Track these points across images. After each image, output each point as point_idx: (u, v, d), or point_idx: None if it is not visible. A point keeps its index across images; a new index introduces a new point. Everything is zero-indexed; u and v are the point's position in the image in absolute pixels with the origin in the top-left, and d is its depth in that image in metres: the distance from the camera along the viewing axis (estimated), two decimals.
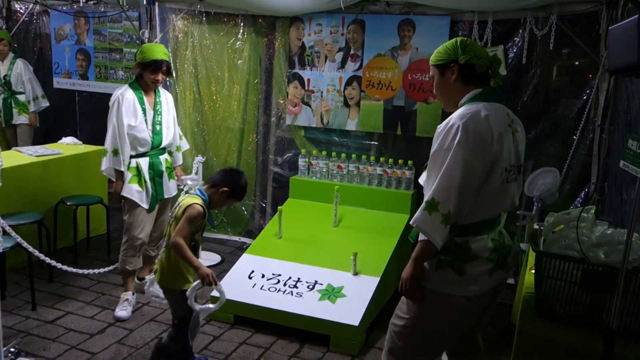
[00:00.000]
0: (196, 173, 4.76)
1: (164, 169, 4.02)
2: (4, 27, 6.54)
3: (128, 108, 3.82)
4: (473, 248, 2.27)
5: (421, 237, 2.21)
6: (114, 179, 3.94)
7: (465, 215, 2.22)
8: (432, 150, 2.23)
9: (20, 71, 6.12)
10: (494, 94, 2.35)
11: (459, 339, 2.57)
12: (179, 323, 3.06)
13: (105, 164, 3.87)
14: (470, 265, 2.26)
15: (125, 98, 3.81)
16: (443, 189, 2.14)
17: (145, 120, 3.88)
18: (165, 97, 4.07)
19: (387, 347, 2.51)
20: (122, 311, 3.93)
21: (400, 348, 2.43)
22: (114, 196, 3.98)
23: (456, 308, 2.31)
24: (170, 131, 4.07)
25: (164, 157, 4.05)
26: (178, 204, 3.01)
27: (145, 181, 3.91)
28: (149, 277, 4.29)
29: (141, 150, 3.91)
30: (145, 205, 3.92)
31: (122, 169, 3.84)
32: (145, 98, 3.91)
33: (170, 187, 4.11)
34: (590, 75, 4.33)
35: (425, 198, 2.19)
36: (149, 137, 3.91)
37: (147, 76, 3.86)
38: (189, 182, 4.25)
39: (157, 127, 3.96)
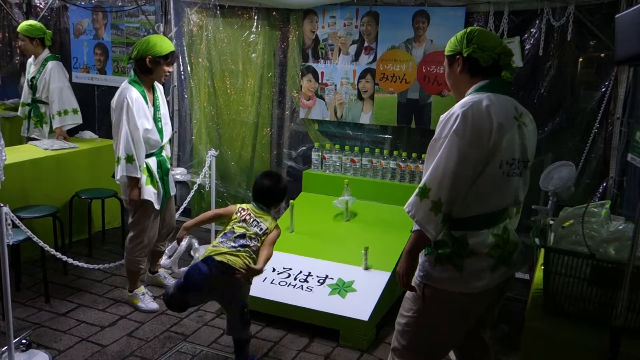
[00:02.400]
0: (209, 167, 4.76)
1: (169, 166, 3.99)
2: (21, 20, 6.61)
3: (139, 110, 3.66)
4: (471, 243, 2.21)
5: (415, 227, 2.18)
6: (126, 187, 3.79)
7: (462, 208, 2.18)
8: (433, 138, 2.20)
9: (48, 77, 5.20)
10: (501, 85, 2.29)
11: (465, 337, 2.53)
12: (248, 310, 3.21)
13: (120, 172, 3.66)
14: (468, 261, 2.21)
15: (134, 100, 3.64)
16: (435, 176, 2.12)
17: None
18: (160, 90, 3.95)
19: (391, 347, 2.48)
20: (152, 303, 3.96)
21: (403, 347, 2.40)
22: (132, 205, 3.78)
23: (457, 305, 2.26)
24: (168, 126, 3.99)
25: (165, 154, 3.99)
26: (259, 217, 3.20)
27: (156, 181, 3.84)
28: (163, 263, 4.34)
29: (150, 151, 3.82)
30: (157, 206, 3.87)
31: (139, 176, 3.68)
32: (147, 95, 3.77)
33: (172, 184, 4.08)
34: (616, 67, 4.20)
35: (420, 184, 2.17)
36: (158, 137, 3.83)
37: (160, 70, 3.74)
38: (178, 177, 4.20)
39: (159, 125, 3.85)
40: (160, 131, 3.85)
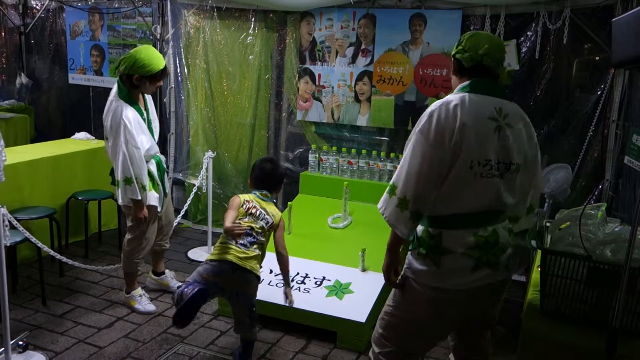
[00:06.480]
0: (206, 169, 4.77)
1: (165, 165, 3.98)
2: (17, 22, 6.61)
3: (137, 129, 3.57)
4: (444, 241, 2.23)
5: None
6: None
7: (437, 207, 2.21)
8: None
9: None
10: (484, 85, 2.28)
11: (462, 341, 2.54)
12: (256, 310, 3.24)
13: (120, 195, 3.61)
14: (445, 258, 2.23)
15: (132, 120, 3.54)
16: (401, 174, 2.19)
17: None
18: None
19: (372, 337, 2.55)
20: (149, 305, 3.96)
21: (380, 334, 2.47)
22: (139, 222, 3.73)
23: (433, 300, 2.28)
24: (156, 122, 3.95)
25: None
26: (264, 209, 3.27)
27: (158, 184, 3.82)
28: (169, 273, 4.34)
29: (149, 159, 3.77)
30: (160, 209, 3.86)
31: (139, 198, 3.59)
32: (140, 106, 3.71)
33: (167, 182, 4.08)
34: (612, 71, 4.22)
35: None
36: (157, 148, 3.81)
37: (149, 86, 3.67)
38: None
39: (151, 126, 3.84)
40: (151, 132, 3.82)
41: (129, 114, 3.55)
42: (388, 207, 2.21)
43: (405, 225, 2.18)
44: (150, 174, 3.75)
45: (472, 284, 2.24)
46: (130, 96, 3.63)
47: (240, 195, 3.34)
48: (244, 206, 3.27)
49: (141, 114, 3.69)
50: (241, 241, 3.17)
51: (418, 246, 2.29)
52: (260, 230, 3.23)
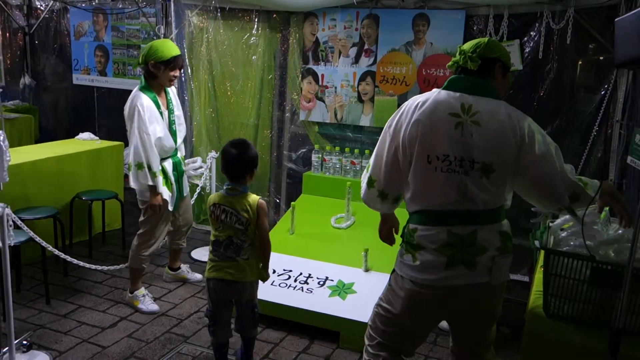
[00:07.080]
0: (209, 169, 4.78)
1: (184, 167, 4.02)
2: (22, 22, 6.63)
3: (151, 117, 3.65)
4: (417, 237, 2.28)
5: None
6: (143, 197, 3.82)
7: (409, 202, 2.33)
8: None
9: None
10: (458, 81, 2.32)
11: (462, 345, 2.54)
12: (258, 310, 3.21)
13: (132, 179, 3.70)
14: (420, 254, 2.27)
15: (145, 107, 3.62)
16: (372, 157, 2.45)
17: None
18: (173, 92, 3.95)
19: None
20: (152, 305, 3.97)
21: (370, 327, 2.56)
22: (153, 210, 3.76)
23: (410, 292, 2.31)
24: (183, 126, 3.99)
25: (180, 154, 4.01)
26: (233, 208, 2.99)
27: (171, 184, 3.86)
28: (185, 266, 4.44)
29: (166, 155, 3.84)
30: (171, 207, 3.90)
31: (149, 183, 3.66)
32: (159, 100, 3.76)
33: (186, 184, 4.12)
34: (615, 71, 4.22)
35: None
36: (172, 142, 3.85)
37: (164, 75, 3.71)
38: (192, 172, 4.21)
39: (174, 127, 3.87)
40: (174, 134, 3.86)
41: (144, 101, 3.65)
42: (363, 181, 2.51)
43: (375, 202, 2.47)
44: (165, 173, 3.81)
45: (446, 281, 2.23)
46: (148, 87, 3.72)
47: (209, 199, 3.11)
48: (213, 215, 3.05)
49: (158, 107, 3.74)
50: (225, 254, 3.03)
51: (403, 240, 2.39)
52: (239, 234, 3.01)
